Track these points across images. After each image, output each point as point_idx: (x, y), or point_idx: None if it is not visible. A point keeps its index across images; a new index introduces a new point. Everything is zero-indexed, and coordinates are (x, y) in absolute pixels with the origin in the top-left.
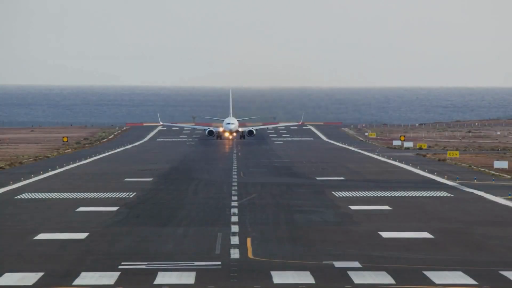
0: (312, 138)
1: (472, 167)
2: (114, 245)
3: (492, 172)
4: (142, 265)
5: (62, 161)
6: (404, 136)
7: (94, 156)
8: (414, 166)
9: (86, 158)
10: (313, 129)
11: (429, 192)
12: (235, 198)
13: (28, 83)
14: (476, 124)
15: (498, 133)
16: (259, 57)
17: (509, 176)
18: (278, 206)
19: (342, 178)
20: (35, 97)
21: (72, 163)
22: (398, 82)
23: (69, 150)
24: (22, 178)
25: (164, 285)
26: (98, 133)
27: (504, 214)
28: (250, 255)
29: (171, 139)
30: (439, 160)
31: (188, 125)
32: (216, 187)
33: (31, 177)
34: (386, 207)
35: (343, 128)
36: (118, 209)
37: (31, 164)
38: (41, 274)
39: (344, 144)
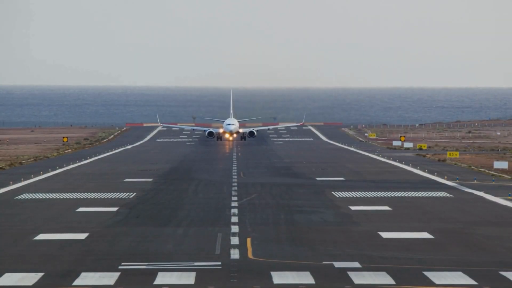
0: (312, 139)
1: (472, 167)
2: (114, 246)
3: (492, 172)
4: (142, 266)
5: (62, 162)
6: (404, 136)
7: (94, 156)
8: (414, 166)
9: (86, 159)
10: (313, 129)
11: (429, 193)
12: (235, 198)
13: (28, 83)
14: (476, 124)
15: (498, 133)
16: (259, 57)
17: (509, 177)
18: (278, 206)
19: (342, 178)
20: (35, 97)
21: (72, 164)
22: (398, 83)
23: (69, 150)
24: (22, 179)
25: (164, 285)
26: (98, 134)
27: (504, 214)
28: (250, 255)
29: (171, 140)
30: (439, 160)
31: (187, 126)
32: (216, 188)
33: (31, 178)
34: (386, 208)
35: (343, 129)
36: (118, 209)
37: (31, 164)
38: (41, 274)
39: (344, 145)
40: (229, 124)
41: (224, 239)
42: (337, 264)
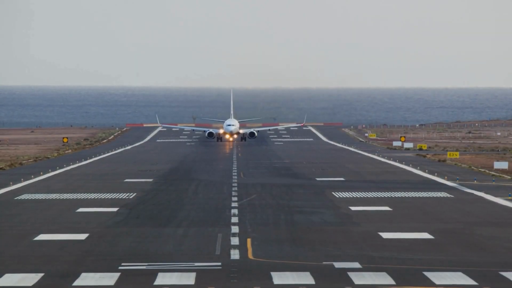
0: (312, 139)
1: (472, 167)
2: (114, 246)
3: (492, 172)
4: (142, 266)
5: (62, 162)
6: (404, 136)
7: (94, 156)
8: (414, 166)
9: (86, 159)
10: (313, 130)
11: (429, 193)
12: (235, 198)
13: (28, 83)
14: (476, 124)
15: (498, 133)
16: (259, 57)
17: (509, 177)
18: (278, 206)
19: (342, 178)
20: (36, 98)
21: (72, 164)
22: (398, 83)
23: (69, 150)
24: (22, 179)
25: (164, 285)
26: (98, 134)
27: (504, 214)
28: (250, 255)
29: (171, 140)
30: (439, 160)
31: (187, 126)
32: (216, 188)
33: (31, 178)
34: (386, 208)
35: (343, 129)
36: (118, 209)
37: (31, 164)
38: (41, 275)
39: (344, 145)
40: (229, 125)
41: (224, 239)
42: (337, 265)
